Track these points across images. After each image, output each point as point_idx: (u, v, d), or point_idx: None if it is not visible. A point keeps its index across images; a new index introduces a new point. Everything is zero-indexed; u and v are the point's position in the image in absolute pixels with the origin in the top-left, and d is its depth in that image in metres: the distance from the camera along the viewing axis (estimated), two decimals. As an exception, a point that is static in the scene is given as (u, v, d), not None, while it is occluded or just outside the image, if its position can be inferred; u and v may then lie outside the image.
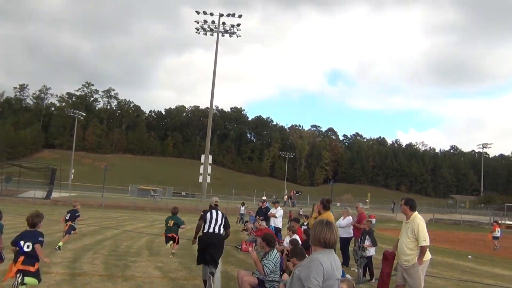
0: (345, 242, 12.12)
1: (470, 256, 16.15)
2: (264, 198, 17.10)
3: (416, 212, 6.65)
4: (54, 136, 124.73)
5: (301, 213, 28.09)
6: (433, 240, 6.53)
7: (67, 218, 12.28)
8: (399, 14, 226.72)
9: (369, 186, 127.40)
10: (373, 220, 18.91)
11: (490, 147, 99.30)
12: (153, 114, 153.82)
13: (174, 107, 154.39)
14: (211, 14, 54.61)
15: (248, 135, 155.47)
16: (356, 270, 10.52)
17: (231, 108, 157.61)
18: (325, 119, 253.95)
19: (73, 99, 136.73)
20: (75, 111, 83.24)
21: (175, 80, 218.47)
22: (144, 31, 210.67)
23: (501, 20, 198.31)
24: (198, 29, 55.55)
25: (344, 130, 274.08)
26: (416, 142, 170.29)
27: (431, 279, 10.31)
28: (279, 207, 15.17)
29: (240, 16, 55.01)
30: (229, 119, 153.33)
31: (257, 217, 16.00)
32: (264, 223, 15.48)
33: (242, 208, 27.24)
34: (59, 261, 10.05)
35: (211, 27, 55.20)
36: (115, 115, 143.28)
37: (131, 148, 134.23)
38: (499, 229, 20.67)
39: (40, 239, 6.25)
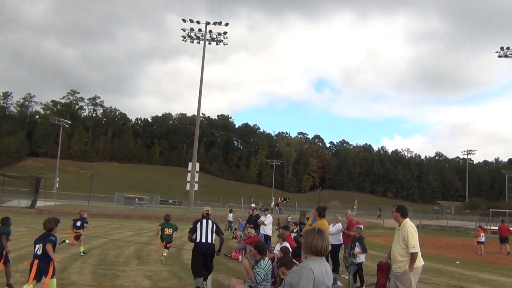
0: (335, 249, 12.09)
1: (458, 262, 16.27)
2: (253, 205, 17.07)
3: (408, 219, 6.66)
4: (38, 144, 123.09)
5: (289, 220, 28.09)
6: (421, 246, 6.52)
7: (77, 225, 12.68)
8: (383, 23, 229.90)
9: (356, 193, 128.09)
10: (361, 227, 18.97)
11: (474, 154, 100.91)
12: (139, 121, 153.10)
13: (161, 115, 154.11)
14: (198, 22, 54.69)
15: (235, 142, 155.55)
16: (347, 277, 10.51)
17: (218, 116, 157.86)
18: (312, 127, 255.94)
19: (58, 107, 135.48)
20: (60, 119, 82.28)
21: (161, 88, 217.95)
22: (130, 38, 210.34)
23: (483, 29, 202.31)
24: (184, 37, 55.53)
25: (330, 137, 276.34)
26: (401, 149, 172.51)
27: (421, 285, 10.34)
28: (268, 215, 15.14)
29: (226, 25, 55.16)
30: (216, 126, 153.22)
31: (248, 224, 15.94)
32: (253, 230, 15.44)
33: (230, 215, 27.13)
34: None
35: (198, 35, 55.23)
36: (101, 122, 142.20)
37: (117, 156, 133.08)
38: (483, 234, 20.90)
39: (51, 238, 6.53)
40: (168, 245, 12.41)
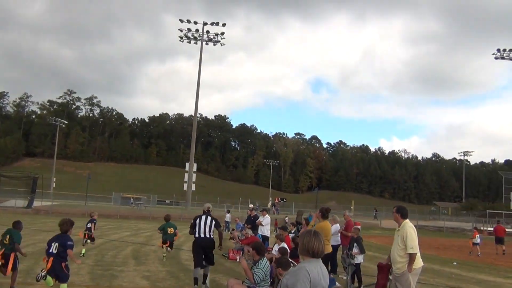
0: (333, 249, 12.11)
1: (455, 263, 16.32)
2: (251, 206, 17.07)
3: (407, 220, 6.66)
4: (35, 144, 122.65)
5: (287, 221, 28.08)
6: (419, 247, 6.52)
7: (88, 226, 13.01)
8: (380, 24, 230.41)
9: (353, 193, 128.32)
10: (359, 228, 19.00)
11: (471, 155, 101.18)
12: (136, 122, 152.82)
13: (158, 115, 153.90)
14: (195, 23, 54.68)
15: (232, 143, 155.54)
16: (345, 277, 10.52)
17: (215, 116, 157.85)
18: (309, 127, 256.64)
19: (55, 106, 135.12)
20: (56, 119, 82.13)
21: (158, 88, 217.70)
22: (127, 38, 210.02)
23: (479, 31, 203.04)
24: (182, 38, 55.51)
25: (327, 138, 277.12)
26: (398, 150, 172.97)
27: (419, 286, 10.35)
28: (266, 215, 15.12)
29: (224, 25, 55.16)
30: (213, 127, 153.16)
31: (246, 225, 15.94)
32: (250, 231, 15.43)
33: (228, 215, 27.09)
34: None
35: (195, 35, 55.24)
36: (98, 123, 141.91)
37: (114, 156, 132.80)
38: (478, 235, 20.96)
39: (69, 243, 6.96)
40: (172, 244, 13.09)
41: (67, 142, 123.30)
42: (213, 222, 8.77)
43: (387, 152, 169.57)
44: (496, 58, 54.04)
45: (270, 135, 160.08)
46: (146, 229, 25.04)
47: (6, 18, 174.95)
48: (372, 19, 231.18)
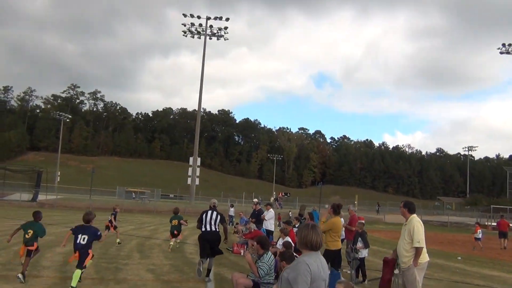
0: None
1: (459, 257, 16.29)
2: (256, 200, 17.11)
3: (415, 215, 6.66)
4: (39, 138, 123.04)
5: (291, 215, 28.13)
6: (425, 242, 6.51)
7: (110, 219, 14.54)
8: (384, 19, 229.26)
9: (357, 188, 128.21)
10: (363, 222, 19.05)
11: (475, 150, 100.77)
12: (140, 116, 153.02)
13: (161, 109, 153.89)
14: (198, 17, 54.43)
15: (236, 137, 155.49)
16: (349, 272, 10.53)
17: (218, 111, 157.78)
18: (313, 122, 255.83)
19: (59, 101, 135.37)
20: (60, 113, 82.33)
21: (161, 83, 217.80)
22: (130, 33, 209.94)
23: (484, 25, 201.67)
24: (185, 32, 55.29)
25: (331, 132, 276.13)
26: (402, 145, 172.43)
27: (423, 280, 10.34)
28: (271, 209, 15.12)
29: (227, 19, 54.88)
30: (217, 121, 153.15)
31: (250, 219, 15.97)
32: (253, 225, 15.44)
33: (232, 209, 27.15)
34: (49, 265, 9.90)
35: (198, 30, 54.99)
36: (102, 117, 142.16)
37: (118, 151, 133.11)
38: (480, 230, 20.96)
39: (99, 233, 7.64)
40: (178, 236, 13.90)
41: (71, 136, 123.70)
42: (219, 217, 9.19)
43: (391, 147, 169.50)
44: (501, 52, 53.63)
45: (273, 129, 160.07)
46: (150, 223, 25.14)
47: (10, 13, 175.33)
48: (375, 13, 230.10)
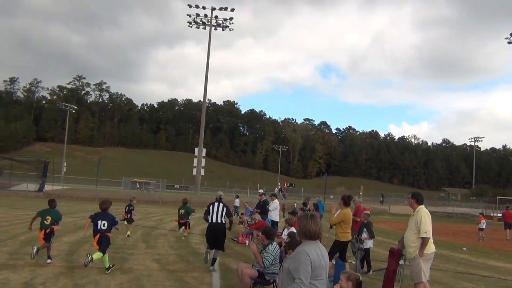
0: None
1: (465, 248, 16.27)
2: (261, 191, 17.15)
3: (422, 206, 6.68)
4: (45, 129, 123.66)
5: (296, 206, 28.13)
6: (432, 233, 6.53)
7: (126, 210, 14.85)
8: (391, 8, 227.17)
9: (362, 179, 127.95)
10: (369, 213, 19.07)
11: (481, 141, 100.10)
12: (145, 107, 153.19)
13: (167, 100, 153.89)
14: (204, 8, 54.16)
15: (241, 128, 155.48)
16: (354, 262, 10.54)
17: (223, 102, 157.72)
18: (318, 113, 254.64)
19: (64, 92, 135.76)
20: (66, 104, 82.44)
21: (167, 74, 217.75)
22: (135, 24, 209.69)
23: (492, 15, 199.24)
24: (190, 23, 55.11)
25: (337, 123, 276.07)
26: (408, 136, 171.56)
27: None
28: (275, 200, 15.13)
29: (232, 10, 54.63)
30: (222, 112, 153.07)
31: (256, 210, 16.01)
32: (258, 216, 15.47)
33: (237, 200, 27.16)
34: (56, 254, 9.96)
35: (204, 20, 54.77)
36: (107, 108, 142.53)
37: (123, 142, 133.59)
38: (484, 221, 20.98)
39: (116, 220, 8.38)
40: (188, 225, 14.43)
41: (77, 127, 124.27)
42: (225, 210, 9.46)
43: (396, 137, 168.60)
44: (509, 42, 52.98)
45: (279, 120, 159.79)
46: (155, 213, 25.24)
47: (16, 4, 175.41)
48: (382, 3, 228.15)
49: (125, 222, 14.71)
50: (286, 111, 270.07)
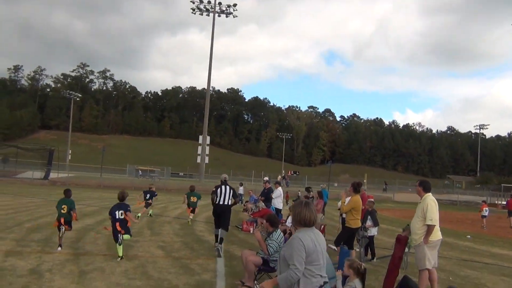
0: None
1: (469, 236, 16.29)
2: (266, 178, 17.20)
3: (430, 194, 6.71)
4: (50, 117, 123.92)
5: (300, 194, 28.19)
6: (438, 221, 6.56)
7: (147, 197, 15.75)
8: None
9: (366, 167, 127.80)
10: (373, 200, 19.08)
11: (487, 128, 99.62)
12: (149, 95, 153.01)
13: (171, 88, 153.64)
14: (207, -6, 53.83)
15: (245, 116, 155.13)
16: (358, 250, 10.57)
17: (227, 89, 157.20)
18: (322, 100, 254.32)
19: (69, 80, 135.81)
20: (70, 92, 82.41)
21: (170, 61, 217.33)
22: (138, 11, 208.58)
23: (497, 1, 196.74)
24: (193, 9, 54.79)
25: (341, 111, 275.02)
26: (413, 123, 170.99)
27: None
28: (279, 188, 15.15)
29: (236, -4, 54.23)
30: (226, 100, 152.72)
31: (260, 197, 16.06)
32: (262, 204, 15.51)
33: (241, 188, 27.19)
34: (62, 241, 10.05)
35: (207, 7, 54.45)
36: (111, 96, 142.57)
37: (127, 129, 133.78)
38: (486, 208, 21.04)
39: (128, 208, 8.80)
40: (195, 210, 15.05)
41: (81, 115, 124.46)
42: (231, 192, 10.20)
43: (401, 125, 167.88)
44: (515, 28, 52.35)
45: (283, 108, 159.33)
46: (160, 201, 25.28)
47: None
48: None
49: (150, 210, 15.87)
50: (290, 99, 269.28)
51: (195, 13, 54.99)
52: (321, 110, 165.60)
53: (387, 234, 14.89)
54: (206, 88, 57.96)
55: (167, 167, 64.14)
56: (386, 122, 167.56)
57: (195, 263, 8.59)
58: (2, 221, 12.98)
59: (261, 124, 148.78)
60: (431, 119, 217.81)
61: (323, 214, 18.48)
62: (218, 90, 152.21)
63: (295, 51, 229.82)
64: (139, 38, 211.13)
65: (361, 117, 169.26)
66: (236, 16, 55.47)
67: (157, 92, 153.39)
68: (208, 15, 54.87)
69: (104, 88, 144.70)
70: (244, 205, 20.92)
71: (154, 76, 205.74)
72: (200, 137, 55.05)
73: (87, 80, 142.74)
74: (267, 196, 15.24)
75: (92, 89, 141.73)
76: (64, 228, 9.18)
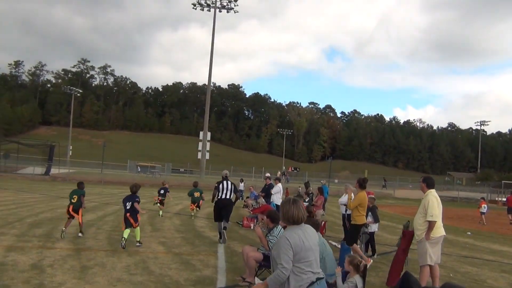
0: (346, 218, 12.14)
1: (469, 233, 16.30)
2: (268, 174, 17.27)
3: (432, 190, 6.75)
4: (50, 113, 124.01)
5: (300, 190, 28.19)
6: (442, 217, 6.62)
7: (161, 193, 16.10)
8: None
9: (367, 163, 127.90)
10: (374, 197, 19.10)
11: (487, 125, 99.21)
12: (150, 90, 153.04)
13: (171, 84, 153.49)
14: (208, -11, 53.65)
15: (246, 112, 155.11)
16: (358, 246, 10.57)
17: (228, 85, 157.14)
18: (323, 96, 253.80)
19: (69, 75, 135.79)
20: (71, 87, 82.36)
21: (171, 57, 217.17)
22: (139, 6, 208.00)
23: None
24: (194, 5, 54.59)
25: (342, 107, 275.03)
26: (413, 120, 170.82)
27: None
28: (278, 184, 15.15)
29: (237, -9, 54.01)
30: (227, 95, 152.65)
31: (260, 193, 16.08)
32: (262, 200, 15.53)
33: (242, 184, 27.22)
34: (63, 236, 10.09)
35: (208, 2, 54.26)
36: (112, 91, 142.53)
37: (128, 125, 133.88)
38: (485, 205, 21.05)
39: (136, 199, 9.44)
40: (199, 204, 15.94)
41: (82, 111, 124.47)
42: (233, 187, 10.81)
43: (402, 121, 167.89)
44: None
45: (283, 104, 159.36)
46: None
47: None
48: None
49: (159, 204, 16.04)
50: (291, 95, 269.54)
51: (196, 9, 54.80)
52: (321, 106, 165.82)
53: (388, 231, 14.92)
54: (207, 84, 57.87)
55: (167, 163, 64.12)
56: (387, 119, 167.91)
57: (196, 259, 8.61)
58: (3, 216, 13.03)
59: (262, 120, 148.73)
60: (432, 116, 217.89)
61: (323, 210, 18.55)
62: (219, 86, 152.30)
63: (296, 47, 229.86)
64: (140, 33, 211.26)
65: (361, 114, 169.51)
66: (237, 12, 55.30)
67: (157, 88, 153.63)
68: (209, 10, 54.70)
69: (105, 83, 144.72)
70: (244, 201, 20.95)
71: (155, 71, 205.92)
72: (201, 133, 54.98)
73: (88, 75, 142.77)
74: (267, 192, 15.25)
75: (93, 84, 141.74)
76: (72, 217, 10.06)
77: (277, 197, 14.82)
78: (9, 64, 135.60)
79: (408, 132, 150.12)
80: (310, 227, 4.12)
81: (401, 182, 65.24)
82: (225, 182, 10.70)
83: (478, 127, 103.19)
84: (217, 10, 54.26)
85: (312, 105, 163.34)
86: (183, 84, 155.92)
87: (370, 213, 10.33)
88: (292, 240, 3.83)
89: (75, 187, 10.76)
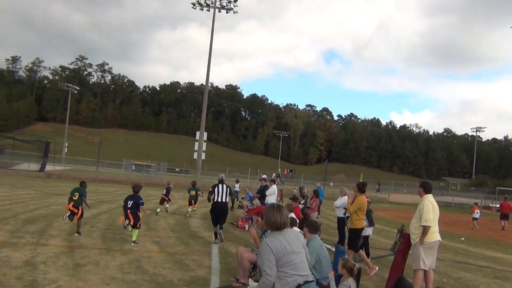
0: (341, 221, 12.15)
1: (463, 238, 16.34)
2: (264, 176, 17.28)
3: (429, 195, 6.79)
4: (47, 109, 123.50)
5: (295, 192, 28.19)
6: (438, 222, 6.66)
7: (164, 193, 16.60)
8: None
9: (362, 167, 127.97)
10: (369, 201, 19.14)
11: (483, 131, 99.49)
12: (147, 89, 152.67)
13: (169, 83, 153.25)
14: (208, -11, 53.63)
15: (243, 113, 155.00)
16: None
17: (226, 86, 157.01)
18: (320, 99, 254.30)
19: (67, 72, 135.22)
20: (68, 84, 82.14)
21: (169, 56, 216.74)
22: (138, 4, 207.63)
23: (497, 3, 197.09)
24: (194, 4, 54.56)
25: (339, 110, 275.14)
26: (410, 124, 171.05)
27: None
28: (273, 185, 15.15)
29: (237, -8, 54.00)
30: (224, 96, 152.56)
31: (256, 195, 16.09)
32: (257, 201, 15.53)
33: (237, 185, 27.18)
34: (56, 234, 10.06)
35: (208, 2, 54.25)
36: (109, 89, 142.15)
37: (125, 123, 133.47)
38: (478, 210, 21.17)
39: (141, 201, 9.63)
40: (195, 205, 16.18)
41: (78, 108, 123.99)
42: (228, 190, 10.91)
43: (398, 126, 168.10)
44: (515, 32, 52.47)
45: (281, 106, 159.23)
46: (156, 196, 25.28)
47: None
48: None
49: (167, 205, 16.67)
50: (288, 97, 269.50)
51: (195, 8, 54.76)
52: (318, 109, 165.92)
53: (382, 235, 14.95)
54: (204, 83, 57.86)
55: (163, 162, 64.01)
56: (383, 123, 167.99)
57: (190, 259, 8.59)
58: (-3, 212, 12.96)
59: (259, 121, 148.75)
60: (428, 121, 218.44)
61: (318, 213, 18.57)
62: (217, 86, 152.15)
63: (295, 49, 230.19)
64: (139, 32, 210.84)
65: (358, 117, 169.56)
66: (237, 12, 55.29)
67: (155, 86, 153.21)
68: (208, 10, 54.66)
69: (102, 81, 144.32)
70: (239, 202, 20.94)
71: (152, 70, 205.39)
72: (198, 133, 54.91)
73: (85, 73, 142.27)
74: (262, 193, 15.26)
75: (90, 82, 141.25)
76: (71, 212, 10.13)
77: (272, 198, 14.82)
78: (6, 59, 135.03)
79: (404, 137, 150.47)
80: (294, 230, 4.13)
81: (396, 187, 65.39)
82: (220, 186, 10.84)
83: (474, 133, 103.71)
84: (217, 10, 54.28)
85: (309, 108, 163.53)
86: (181, 83, 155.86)
87: (365, 217, 10.35)
88: (273, 246, 3.85)
89: (70, 184, 10.82)
